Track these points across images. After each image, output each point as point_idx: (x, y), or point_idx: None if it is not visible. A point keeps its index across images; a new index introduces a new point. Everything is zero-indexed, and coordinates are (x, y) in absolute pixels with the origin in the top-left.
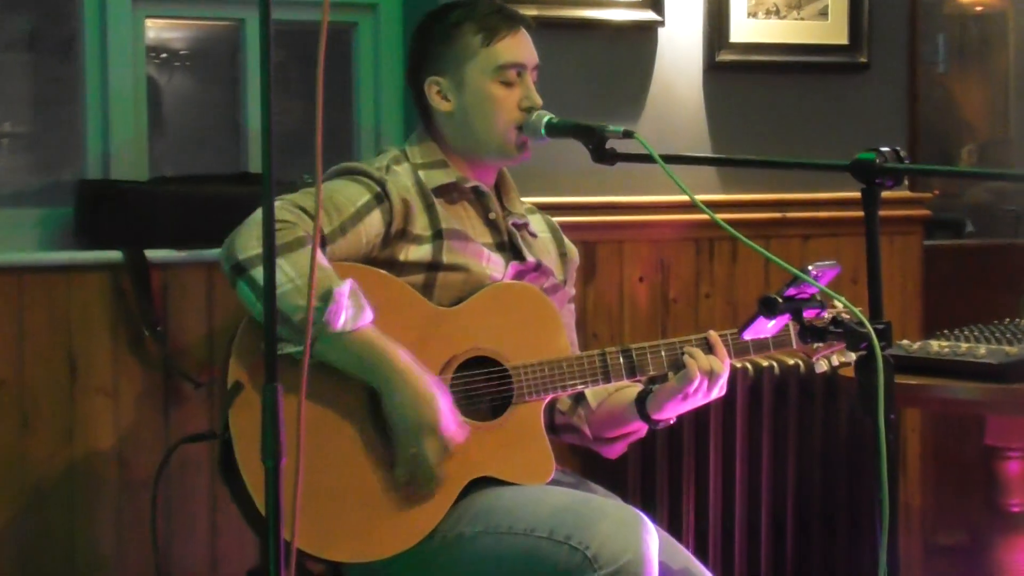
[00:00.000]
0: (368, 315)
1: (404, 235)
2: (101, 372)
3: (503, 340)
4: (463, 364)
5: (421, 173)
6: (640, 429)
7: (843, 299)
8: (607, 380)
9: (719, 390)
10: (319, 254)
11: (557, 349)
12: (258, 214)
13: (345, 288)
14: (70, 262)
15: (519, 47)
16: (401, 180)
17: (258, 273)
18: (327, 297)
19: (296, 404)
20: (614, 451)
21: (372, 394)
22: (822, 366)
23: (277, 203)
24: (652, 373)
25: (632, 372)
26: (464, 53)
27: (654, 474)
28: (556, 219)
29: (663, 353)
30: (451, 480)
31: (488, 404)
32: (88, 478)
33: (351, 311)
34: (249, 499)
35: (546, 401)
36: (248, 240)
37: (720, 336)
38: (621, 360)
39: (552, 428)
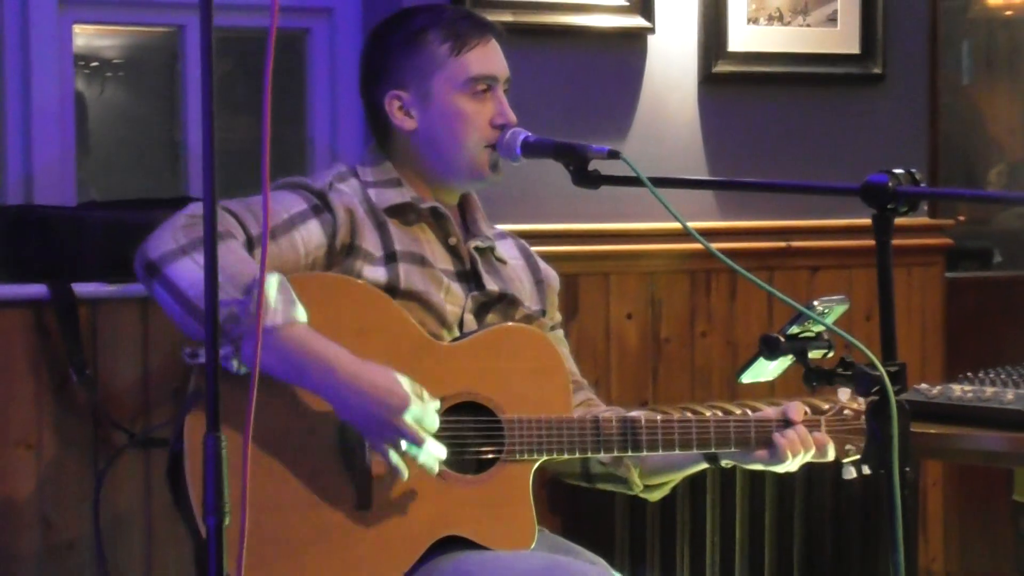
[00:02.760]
0: (300, 312)
1: (354, 250)
2: (22, 421)
3: (501, 388)
4: (452, 408)
5: (371, 191)
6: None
7: (852, 338)
8: (629, 449)
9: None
10: (242, 251)
11: (559, 406)
12: (177, 215)
13: (273, 280)
14: None
15: (491, 57)
16: (346, 195)
17: (173, 270)
18: (251, 290)
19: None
20: (657, 495)
21: (341, 427)
22: (851, 472)
23: (195, 203)
24: (715, 450)
25: (670, 446)
26: (430, 64)
27: (644, 533)
28: (533, 249)
29: (732, 430)
30: (419, 534)
31: (474, 456)
32: (7, 541)
33: (280, 305)
34: (193, 516)
35: (538, 463)
36: (162, 237)
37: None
38: (659, 433)
39: (587, 477)
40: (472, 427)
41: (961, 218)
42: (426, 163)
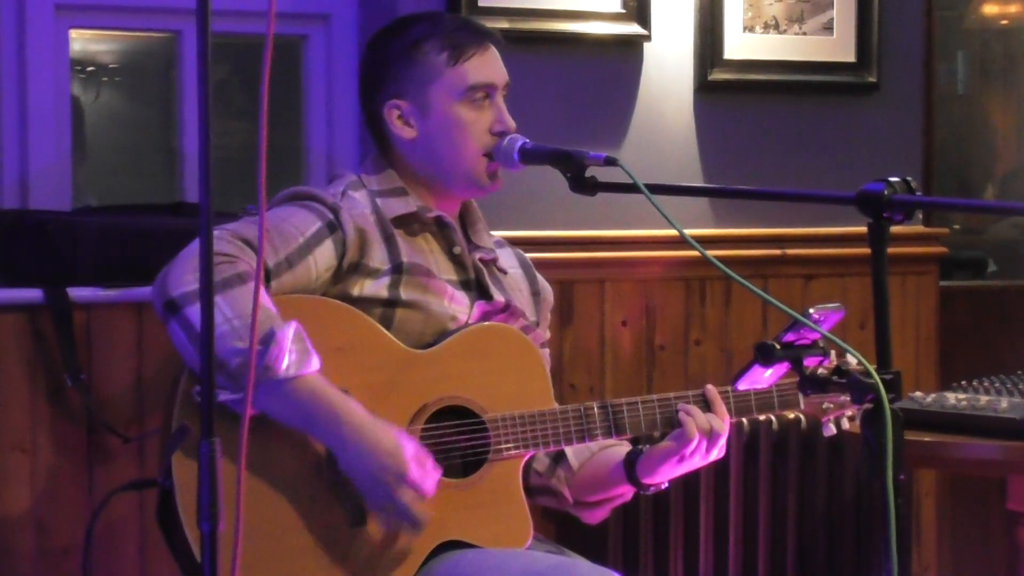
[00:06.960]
0: (315, 362)
1: (358, 268)
2: (17, 426)
3: (481, 388)
4: (435, 414)
5: (379, 201)
6: (626, 493)
7: (847, 346)
8: (593, 437)
9: (718, 451)
10: (263, 293)
11: (541, 401)
12: (195, 246)
13: (289, 331)
14: None
15: (489, 65)
16: (358, 207)
17: (193, 312)
18: (268, 340)
19: (240, 459)
20: (595, 516)
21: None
22: (831, 429)
23: (216, 233)
24: (645, 432)
25: (622, 430)
26: (428, 73)
27: (637, 540)
28: (529, 255)
29: (657, 410)
30: (417, 545)
31: (461, 460)
32: (1, 545)
33: (295, 356)
34: (190, 554)
35: (526, 458)
36: (183, 274)
37: (720, 392)
38: (611, 415)
39: (527, 490)
40: (456, 431)
41: (956, 227)
42: (426, 171)
